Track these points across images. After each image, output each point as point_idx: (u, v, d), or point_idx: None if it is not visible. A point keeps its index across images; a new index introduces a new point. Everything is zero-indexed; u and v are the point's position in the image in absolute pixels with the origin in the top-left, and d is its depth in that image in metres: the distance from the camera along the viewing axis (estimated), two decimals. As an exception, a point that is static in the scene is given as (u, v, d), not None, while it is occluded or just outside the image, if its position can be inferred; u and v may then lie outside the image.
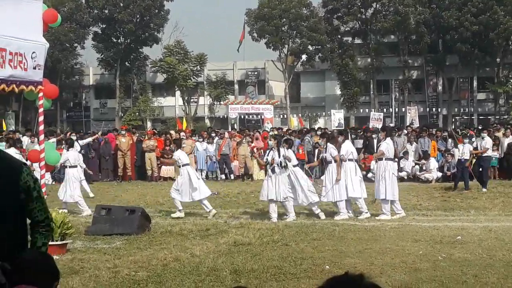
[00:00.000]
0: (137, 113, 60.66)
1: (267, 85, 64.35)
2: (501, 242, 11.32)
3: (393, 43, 58.45)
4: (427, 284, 8.37)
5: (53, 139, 22.21)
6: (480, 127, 30.06)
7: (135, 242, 11.86)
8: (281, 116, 55.92)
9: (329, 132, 18.08)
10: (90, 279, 8.89)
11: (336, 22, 57.45)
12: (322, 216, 14.78)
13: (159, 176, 26.53)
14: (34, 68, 9.73)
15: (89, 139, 25.49)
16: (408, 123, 36.88)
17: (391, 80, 58.49)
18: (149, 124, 59.60)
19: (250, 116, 45.73)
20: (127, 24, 58.09)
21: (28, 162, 13.69)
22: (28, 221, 4.31)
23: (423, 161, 24.83)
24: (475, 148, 21.27)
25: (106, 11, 59.41)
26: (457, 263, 9.63)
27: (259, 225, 13.61)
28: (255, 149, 24.93)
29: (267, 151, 16.20)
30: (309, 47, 56.55)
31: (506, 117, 46.86)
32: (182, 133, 28.34)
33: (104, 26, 60.98)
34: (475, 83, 57.48)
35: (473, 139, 21.75)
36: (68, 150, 16.98)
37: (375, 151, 25.99)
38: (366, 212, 14.97)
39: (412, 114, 39.51)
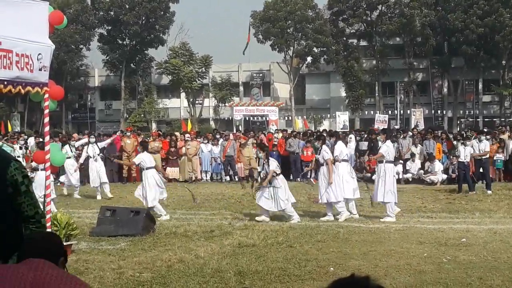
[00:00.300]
0: (142, 115, 60.75)
1: (272, 87, 64.37)
2: (506, 245, 11.29)
3: (399, 45, 58.43)
4: (432, 286, 8.35)
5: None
6: (485, 129, 30.03)
7: (140, 243, 11.86)
8: (286, 118, 55.94)
9: (324, 135, 18.13)
10: (94, 280, 8.90)
11: (342, 24, 57.51)
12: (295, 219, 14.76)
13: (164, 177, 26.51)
14: (40, 69, 9.75)
15: (108, 141, 24.34)
16: (413, 125, 36.91)
17: (396, 82, 58.42)
18: (154, 126, 59.69)
19: (255, 118, 45.76)
20: (133, 26, 58.23)
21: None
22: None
23: (427, 163, 24.80)
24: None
25: (112, 13, 59.55)
26: (461, 266, 9.61)
27: (264, 227, 13.61)
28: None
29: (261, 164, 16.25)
30: (314, 49, 56.59)
31: (511, 119, 46.76)
32: (187, 135, 28.37)
33: (109, 27, 61.15)
34: (480, 85, 57.38)
35: (470, 141, 21.70)
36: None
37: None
38: (355, 215, 15.06)
39: (417, 116, 39.55)
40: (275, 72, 63.34)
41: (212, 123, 60.95)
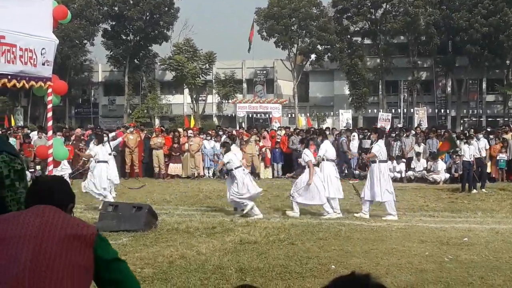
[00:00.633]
0: (145, 111, 60.74)
1: (275, 84, 64.32)
2: (508, 245, 11.28)
3: (403, 44, 58.34)
4: (433, 286, 8.35)
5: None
6: (488, 129, 30.02)
7: (142, 239, 11.88)
8: (289, 116, 55.90)
9: (307, 138, 18.11)
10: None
11: (346, 22, 57.42)
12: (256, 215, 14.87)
13: (166, 173, 26.56)
14: (44, 64, 9.77)
15: (120, 139, 22.83)
16: (416, 124, 36.87)
17: (400, 81, 58.37)
18: (157, 122, 59.69)
19: (258, 115, 45.76)
20: (137, 21, 58.21)
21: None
22: None
23: (429, 162, 24.79)
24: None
25: (116, 8, 59.53)
26: (463, 265, 9.61)
27: (265, 224, 13.62)
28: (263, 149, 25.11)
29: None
30: (318, 46, 56.52)
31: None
32: (190, 131, 28.36)
33: (113, 23, 61.13)
34: (484, 85, 57.29)
35: (473, 141, 21.74)
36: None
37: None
38: (338, 213, 15.05)
39: (421, 115, 39.55)
40: (279, 69, 63.30)
41: (215, 119, 60.92)
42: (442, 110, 56.87)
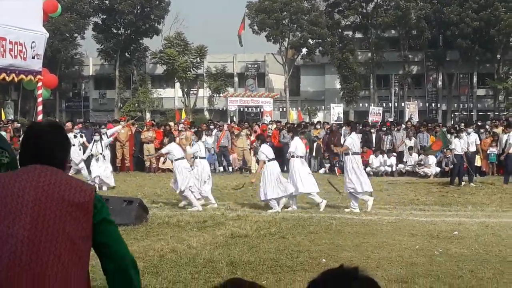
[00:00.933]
0: (136, 104, 60.57)
1: (266, 78, 64.27)
2: (497, 238, 11.34)
3: (394, 38, 58.39)
4: (423, 279, 8.38)
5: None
6: (479, 123, 30.12)
7: (132, 233, 11.86)
8: (281, 109, 55.89)
9: (263, 136, 18.31)
10: (86, 269, 8.89)
11: (337, 16, 57.43)
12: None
13: (157, 167, 26.53)
14: (34, 57, 9.74)
15: (111, 139, 21.77)
16: (407, 118, 36.94)
17: (391, 75, 58.43)
18: (148, 116, 59.57)
19: (250, 109, 45.73)
20: (128, 15, 57.97)
21: None
22: None
23: (421, 156, 24.86)
24: None
25: (107, 2, 59.26)
26: (453, 258, 9.65)
27: (256, 218, 13.64)
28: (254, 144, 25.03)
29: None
30: (310, 40, 56.45)
31: (505, 113, 46.84)
32: (181, 125, 28.32)
33: (104, 16, 60.86)
34: (475, 79, 57.44)
35: (463, 134, 21.82)
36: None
37: (373, 145, 26.16)
38: (322, 202, 15.21)
39: (412, 109, 39.61)
40: (270, 63, 63.24)
41: (206, 113, 60.84)
42: (433, 104, 56.98)
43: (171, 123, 30.72)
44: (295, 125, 27.45)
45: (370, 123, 29.41)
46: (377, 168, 25.16)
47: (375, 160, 25.36)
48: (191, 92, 60.44)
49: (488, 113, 51.29)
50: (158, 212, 14.61)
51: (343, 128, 28.49)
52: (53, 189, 3.11)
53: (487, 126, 27.52)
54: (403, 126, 28.18)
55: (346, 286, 2.00)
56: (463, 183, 20.68)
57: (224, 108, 50.73)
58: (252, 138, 26.90)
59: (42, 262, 2.99)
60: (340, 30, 57.95)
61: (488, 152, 24.45)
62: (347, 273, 2.05)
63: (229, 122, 34.85)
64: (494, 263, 9.31)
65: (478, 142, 22.76)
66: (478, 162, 24.03)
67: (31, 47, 9.66)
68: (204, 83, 61.07)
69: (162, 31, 62.50)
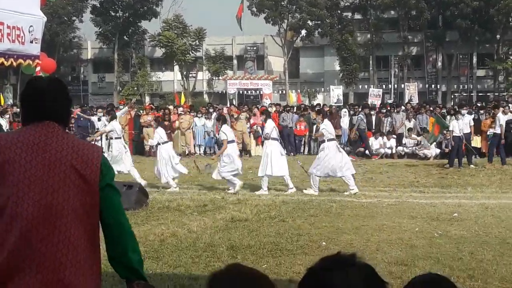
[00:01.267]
0: (135, 88, 60.48)
1: (266, 61, 64.10)
2: (497, 220, 11.36)
3: (393, 19, 58.17)
4: (423, 261, 8.40)
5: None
6: (479, 104, 30.07)
7: (133, 218, 11.85)
8: (280, 92, 55.80)
9: (224, 115, 18.54)
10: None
11: (336, -3, 57.18)
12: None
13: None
14: (31, 42, 9.69)
15: (123, 111, 22.97)
16: (407, 100, 36.89)
17: (391, 56, 58.25)
18: (147, 99, 59.49)
19: (249, 92, 45.66)
20: (126, -3, 57.76)
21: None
22: None
23: (421, 137, 24.83)
24: None
25: (105, -16, 59.05)
26: (453, 240, 9.67)
27: (257, 201, 13.66)
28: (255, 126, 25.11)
29: None
30: (309, 22, 56.25)
31: (505, 94, 46.75)
32: (180, 108, 28.29)
33: (102, -1, 60.67)
34: (474, 60, 57.27)
35: (460, 115, 21.76)
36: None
37: (373, 127, 26.14)
38: (292, 188, 15.36)
39: (411, 91, 39.54)
40: (269, 45, 63.04)
41: (205, 96, 60.78)
42: (433, 85, 56.82)
43: (171, 107, 30.68)
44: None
45: (369, 105, 29.33)
46: (377, 150, 25.17)
47: (375, 142, 25.36)
48: (190, 75, 60.34)
49: (488, 93, 51.25)
50: (158, 196, 14.63)
51: (343, 110, 28.53)
52: (60, 157, 3.04)
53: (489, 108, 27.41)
54: (403, 108, 28.12)
55: (343, 273, 2.00)
56: (462, 166, 20.63)
57: (224, 91, 50.64)
58: (252, 121, 26.87)
59: (52, 243, 2.93)
60: (339, 11, 57.69)
61: (488, 133, 24.38)
62: (344, 260, 2.05)
63: (228, 105, 34.82)
64: (494, 245, 9.33)
65: (472, 123, 22.63)
66: (478, 143, 24.02)
67: (29, 31, 9.61)
68: (203, 66, 60.93)
69: (160, 14, 62.32)
